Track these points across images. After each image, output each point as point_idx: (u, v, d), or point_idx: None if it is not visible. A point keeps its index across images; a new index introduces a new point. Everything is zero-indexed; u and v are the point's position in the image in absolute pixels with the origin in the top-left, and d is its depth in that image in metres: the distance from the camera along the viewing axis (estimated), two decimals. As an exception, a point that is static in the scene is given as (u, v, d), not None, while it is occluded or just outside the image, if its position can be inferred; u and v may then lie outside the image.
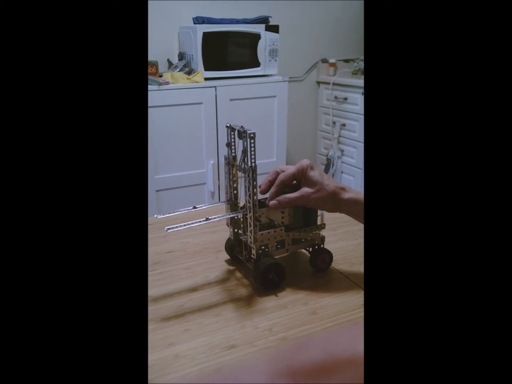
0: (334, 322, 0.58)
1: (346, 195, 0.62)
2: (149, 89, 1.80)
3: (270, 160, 2.15)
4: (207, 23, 1.97)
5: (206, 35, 1.92)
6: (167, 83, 1.85)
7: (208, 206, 0.68)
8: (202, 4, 2.18)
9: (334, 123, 2.46)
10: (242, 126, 0.63)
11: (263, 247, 0.66)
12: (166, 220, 0.65)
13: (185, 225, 0.61)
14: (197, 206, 0.66)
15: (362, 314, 0.57)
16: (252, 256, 0.65)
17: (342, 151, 2.44)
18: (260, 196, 0.64)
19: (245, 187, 0.62)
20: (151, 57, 2.04)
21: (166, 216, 0.64)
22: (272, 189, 0.64)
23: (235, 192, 0.68)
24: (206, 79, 1.94)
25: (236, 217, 0.68)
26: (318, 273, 0.69)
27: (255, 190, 0.62)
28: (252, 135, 0.60)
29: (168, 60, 2.15)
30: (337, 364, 0.30)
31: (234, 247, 0.71)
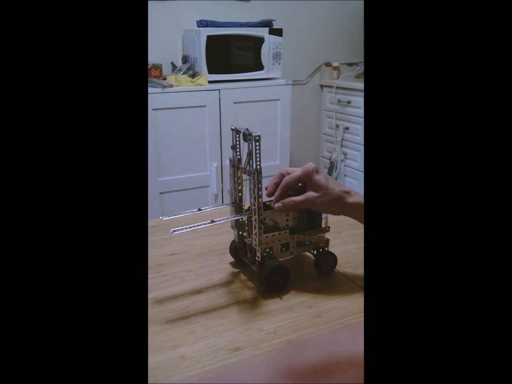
0: (338, 325, 0.58)
1: (351, 199, 0.62)
2: (153, 91, 1.80)
3: (274, 163, 2.15)
4: (211, 26, 1.98)
5: (210, 38, 1.93)
6: (171, 86, 1.85)
7: (213, 208, 0.68)
8: (206, 7, 2.19)
9: (337, 126, 2.46)
10: (247, 129, 0.63)
11: (267, 250, 0.66)
12: (170, 222, 0.65)
13: (190, 227, 0.61)
14: (202, 208, 0.66)
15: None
16: (256, 258, 0.65)
17: (345, 154, 2.44)
18: (265, 199, 0.64)
19: (250, 189, 0.62)
20: (155, 60, 2.04)
21: (171, 218, 0.64)
22: (277, 192, 0.64)
23: (240, 194, 0.68)
24: (210, 82, 1.95)
25: (240, 220, 0.68)
26: (323, 276, 0.69)
27: (260, 192, 0.62)
28: (257, 138, 0.60)
29: (172, 63, 2.15)
30: (337, 365, 0.30)
31: (239, 250, 0.71)
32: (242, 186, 0.68)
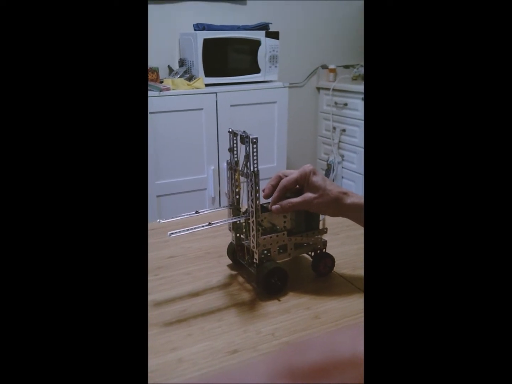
0: (336, 326, 0.58)
1: (348, 200, 0.62)
2: (150, 95, 1.80)
3: (271, 165, 2.15)
4: (208, 29, 1.98)
5: (206, 42, 1.93)
6: (168, 89, 1.86)
7: (211, 211, 0.68)
8: (203, 10, 2.20)
9: (334, 128, 2.46)
10: (244, 131, 0.63)
11: (265, 252, 0.66)
12: (168, 225, 0.65)
13: (188, 230, 0.61)
14: (199, 211, 0.66)
15: (365, 318, 0.57)
16: (254, 260, 0.65)
17: (342, 156, 2.45)
18: (262, 201, 0.64)
19: (248, 191, 0.62)
20: (152, 63, 2.05)
21: (168, 221, 0.64)
22: (275, 194, 0.64)
23: (237, 197, 0.69)
24: (206, 85, 1.95)
25: (238, 222, 0.68)
26: (321, 277, 0.69)
27: (257, 194, 0.62)
28: (254, 140, 0.61)
29: (168, 66, 2.16)
30: (337, 365, 0.30)
31: (236, 252, 0.71)
32: (240, 188, 0.68)
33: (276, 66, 2.10)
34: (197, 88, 1.92)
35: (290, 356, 0.33)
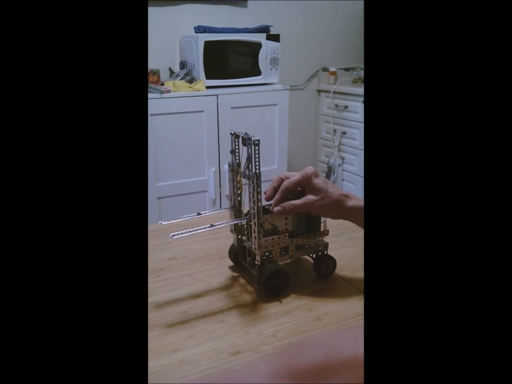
0: (338, 328, 0.58)
1: (350, 203, 0.62)
2: (151, 97, 1.81)
3: (272, 167, 2.15)
4: (209, 32, 1.99)
5: (207, 44, 1.94)
6: (169, 91, 1.86)
7: (212, 212, 0.69)
8: (204, 13, 2.20)
9: (334, 131, 2.47)
10: (246, 133, 0.63)
11: (267, 253, 0.66)
12: (169, 226, 0.66)
13: (190, 231, 0.61)
14: (201, 213, 0.66)
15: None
16: (256, 262, 0.65)
17: (343, 158, 2.45)
18: (264, 203, 0.65)
19: (250, 193, 0.63)
20: (152, 65, 2.05)
21: (170, 223, 0.64)
22: (277, 196, 0.64)
23: (239, 198, 0.69)
24: (207, 87, 1.95)
25: (240, 224, 0.69)
26: (322, 279, 0.69)
27: (259, 196, 0.62)
28: (256, 142, 0.61)
29: (169, 68, 2.16)
30: (337, 365, 0.31)
31: (238, 254, 0.71)
32: (242, 190, 0.68)
33: (276, 69, 2.10)
34: (198, 90, 1.92)
35: (291, 356, 0.33)
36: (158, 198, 1.95)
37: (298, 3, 2.41)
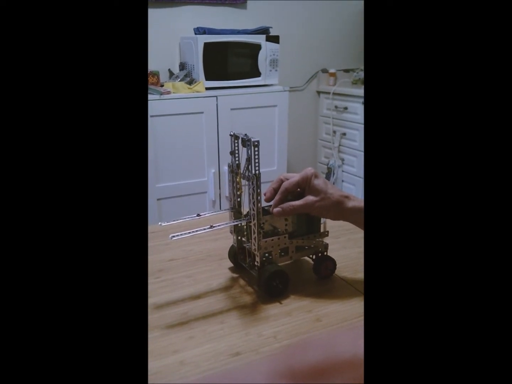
0: (338, 329, 0.58)
1: (350, 204, 0.62)
2: (150, 98, 1.81)
3: (271, 168, 2.16)
4: (208, 33, 1.99)
5: (207, 46, 1.94)
6: (168, 92, 1.86)
7: (212, 213, 0.69)
8: (203, 15, 2.21)
9: (334, 132, 2.47)
10: (246, 134, 0.63)
11: (267, 255, 0.66)
12: (169, 228, 0.65)
13: (189, 232, 0.61)
14: (201, 214, 0.66)
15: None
16: (256, 263, 0.65)
17: (342, 160, 2.45)
18: (264, 204, 0.65)
19: (249, 194, 0.63)
20: (152, 67, 2.05)
21: (170, 224, 0.64)
22: (277, 197, 0.64)
23: (238, 199, 0.69)
24: (207, 88, 1.96)
25: (239, 225, 0.69)
26: (322, 280, 0.69)
27: (259, 197, 0.62)
28: (256, 143, 0.61)
29: (169, 70, 2.16)
30: (337, 365, 0.31)
31: (238, 255, 0.71)
32: (241, 191, 0.68)
33: (276, 70, 2.10)
34: (197, 91, 1.92)
35: (290, 356, 0.33)
36: (158, 199, 1.95)
37: (297, 4, 2.41)
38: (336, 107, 2.43)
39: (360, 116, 2.26)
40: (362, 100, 2.23)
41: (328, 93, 2.46)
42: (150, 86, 1.91)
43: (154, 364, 0.51)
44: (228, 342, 0.55)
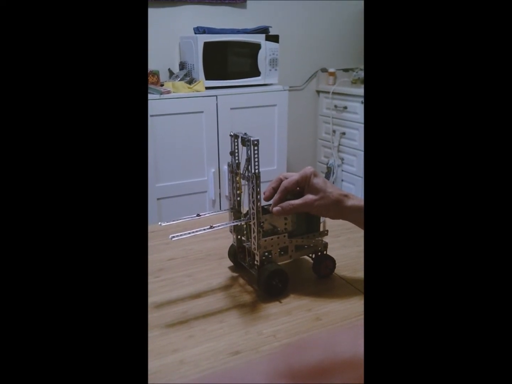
0: (338, 328, 0.58)
1: (349, 202, 0.62)
2: (150, 98, 1.81)
3: (271, 168, 2.16)
4: (208, 33, 1.99)
5: (207, 45, 1.94)
6: (168, 92, 1.86)
7: (212, 213, 0.69)
8: (203, 14, 2.21)
9: (334, 131, 2.47)
10: (245, 133, 0.63)
11: (266, 254, 0.66)
12: (169, 227, 0.66)
13: (189, 233, 0.61)
14: (201, 214, 0.66)
15: (366, 320, 0.57)
16: (255, 262, 0.65)
17: (342, 159, 2.45)
18: (263, 203, 0.65)
19: (249, 193, 0.63)
20: (152, 66, 2.05)
21: (169, 224, 0.64)
22: (276, 196, 0.64)
23: (238, 199, 0.69)
24: (207, 88, 1.96)
25: (239, 224, 0.69)
26: (322, 279, 0.69)
27: (258, 196, 0.62)
28: (255, 142, 0.61)
29: (169, 69, 2.16)
30: (337, 365, 0.31)
31: (238, 254, 0.71)
32: (241, 192, 0.68)
33: (276, 69, 2.10)
34: (197, 91, 1.92)
35: (290, 356, 0.33)
36: (158, 199, 1.95)
37: (297, 4, 2.41)
38: (335, 106, 2.43)
39: (359, 116, 2.26)
40: (361, 99, 2.23)
41: (328, 92, 2.46)
42: (150, 86, 1.91)
43: (153, 363, 0.52)
44: (228, 341, 0.55)
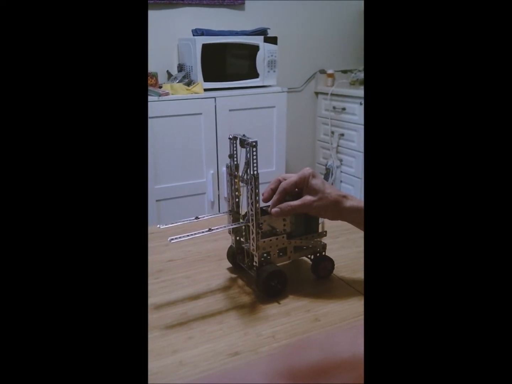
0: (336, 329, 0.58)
1: (348, 203, 0.63)
2: (149, 100, 1.81)
3: (270, 169, 2.16)
4: (206, 35, 2.00)
5: (205, 47, 1.94)
6: (167, 94, 1.86)
7: (211, 216, 0.69)
8: (201, 16, 2.21)
9: (332, 133, 2.47)
10: (244, 135, 0.64)
11: (265, 255, 0.66)
12: (168, 229, 0.66)
13: (188, 235, 0.61)
14: (199, 217, 0.67)
15: (365, 320, 0.58)
16: (254, 263, 0.65)
17: (341, 160, 2.45)
18: (262, 204, 0.65)
19: (248, 195, 0.63)
20: (151, 68, 2.05)
21: (168, 227, 0.65)
22: (275, 197, 0.65)
23: (237, 200, 0.69)
24: (205, 90, 1.96)
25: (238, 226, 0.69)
26: (320, 280, 0.70)
27: (257, 198, 0.62)
28: (254, 144, 0.61)
29: (167, 71, 2.17)
30: (336, 365, 0.31)
31: (236, 255, 0.71)
32: (240, 194, 0.68)
33: (274, 71, 2.11)
34: (196, 93, 1.92)
35: (289, 356, 0.33)
36: (157, 200, 1.95)
37: (295, 6, 2.42)
38: (334, 108, 2.43)
39: (358, 117, 2.27)
40: (360, 100, 2.23)
41: (326, 94, 2.47)
42: (148, 88, 1.91)
43: (153, 364, 0.52)
44: (227, 342, 0.56)
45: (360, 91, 2.24)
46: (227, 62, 2.03)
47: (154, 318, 0.60)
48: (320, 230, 0.69)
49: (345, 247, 0.81)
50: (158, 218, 1.96)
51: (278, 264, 0.66)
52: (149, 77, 1.96)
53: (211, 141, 1.99)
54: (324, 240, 0.70)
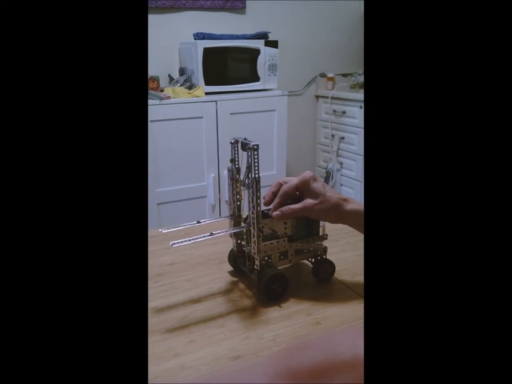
0: (337, 332, 0.58)
1: (348, 207, 0.63)
2: (150, 103, 1.82)
3: (270, 173, 2.16)
4: (208, 38, 2.00)
5: (206, 51, 1.95)
6: (168, 97, 1.87)
7: (212, 220, 0.69)
8: (203, 20, 2.22)
9: (333, 136, 2.48)
10: (245, 138, 0.64)
11: (266, 258, 0.66)
12: (169, 233, 0.66)
13: (189, 239, 0.61)
14: (201, 221, 0.67)
15: (366, 324, 0.57)
16: (255, 267, 0.65)
17: (341, 164, 2.46)
18: (263, 207, 0.65)
19: (249, 198, 0.63)
20: (152, 72, 2.06)
21: (170, 231, 0.65)
22: (276, 200, 0.65)
23: (238, 203, 0.69)
24: (206, 93, 1.96)
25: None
26: (321, 283, 0.70)
27: (258, 201, 0.63)
28: (255, 147, 0.61)
29: (169, 75, 2.17)
30: (337, 366, 0.31)
31: (237, 258, 0.71)
32: (242, 199, 0.68)
33: (275, 75, 2.11)
34: (197, 96, 1.93)
35: (289, 357, 0.33)
36: (158, 204, 1.95)
37: (296, 10, 2.43)
38: (334, 111, 2.43)
39: (358, 120, 2.27)
40: (360, 104, 2.23)
41: (327, 97, 2.47)
42: (150, 91, 1.91)
43: (154, 369, 0.52)
44: (228, 345, 0.56)
45: (360, 95, 2.24)
46: (228, 66, 2.03)
47: (154, 321, 0.60)
48: (320, 233, 0.69)
49: (345, 250, 0.81)
50: (159, 221, 1.96)
51: (279, 267, 0.66)
52: (150, 81, 1.97)
53: (212, 144, 1.99)
54: (325, 243, 0.70)
